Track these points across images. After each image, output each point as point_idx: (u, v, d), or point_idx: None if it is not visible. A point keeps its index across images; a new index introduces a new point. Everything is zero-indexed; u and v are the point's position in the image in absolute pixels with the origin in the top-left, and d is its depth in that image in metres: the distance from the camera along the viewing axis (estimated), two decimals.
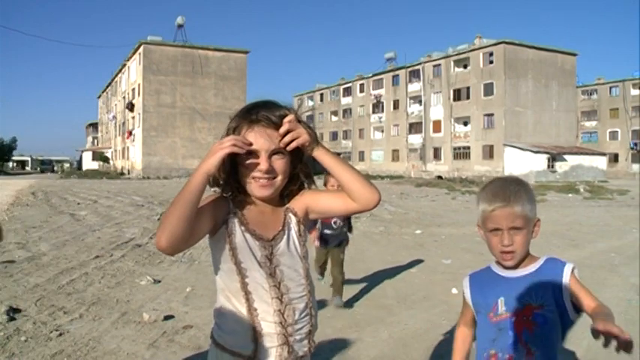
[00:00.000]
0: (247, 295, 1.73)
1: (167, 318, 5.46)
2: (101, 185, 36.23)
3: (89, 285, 6.85)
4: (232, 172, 1.77)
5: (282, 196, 1.87)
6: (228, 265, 1.75)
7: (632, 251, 9.94)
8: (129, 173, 61.73)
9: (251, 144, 1.69)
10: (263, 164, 1.71)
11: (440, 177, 53.02)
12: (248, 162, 1.72)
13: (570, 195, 29.15)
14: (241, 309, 1.74)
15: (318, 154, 1.77)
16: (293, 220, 1.85)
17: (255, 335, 1.73)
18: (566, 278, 1.82)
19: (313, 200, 1.87)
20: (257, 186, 1.75)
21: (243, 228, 1.77)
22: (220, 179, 1.78)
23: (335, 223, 5.97)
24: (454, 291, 6.60)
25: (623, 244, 11.04)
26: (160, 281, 7.09)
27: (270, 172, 1.73)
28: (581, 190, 31.78)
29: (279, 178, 1.76)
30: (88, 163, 76.16)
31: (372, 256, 9.44)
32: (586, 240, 11.66)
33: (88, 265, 8.08)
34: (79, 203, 19.80)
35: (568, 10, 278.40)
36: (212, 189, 1.82)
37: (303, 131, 1.74)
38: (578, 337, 5.08)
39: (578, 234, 12.65)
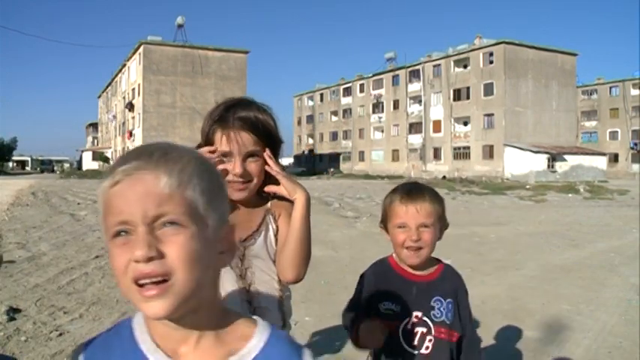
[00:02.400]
0: None
1: None
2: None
3: (89, 285, 6.85)
4: None
5: (261, 195, 1.80)
6: None
7: (632, 251, 9.94)
8: None
9: (215, 150, 1.66)
10: (237, 168, 1.66)
11: (444, 177, 52.99)
12: (222, 166, 1.67)
13: (570, 195, 29.14)
14: None
15: (298, 198, 1.72)
16: (272, 221, 1.78)
17: None
18: None
19: (284, 227, 1.76)
20: (232, 190, 1.69)
21: None
22: None
23: (419, 337, 1.97)
24: None
25: (623, 244, 11.04)
26: None
27: (245, 176, 1.68)
28: (581, 190, 31.77)
29: (254, 181, 1.71)
30: (88, 163, 76.06)
31: (373, 256, 9.31)
32: (586, 240, 11.65)
33: (88, 265, 8.07)
34: (79, 203, 19.77)
35: (568, 10, 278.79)
36: None
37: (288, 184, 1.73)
38: (579, 337, 5.09)
39: (578, 234, 12.64)
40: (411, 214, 1.97)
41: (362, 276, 2.11)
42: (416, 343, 1.95)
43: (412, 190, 2.04)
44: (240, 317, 0.97)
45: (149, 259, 0.81)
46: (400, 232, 1.98)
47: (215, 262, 0.90)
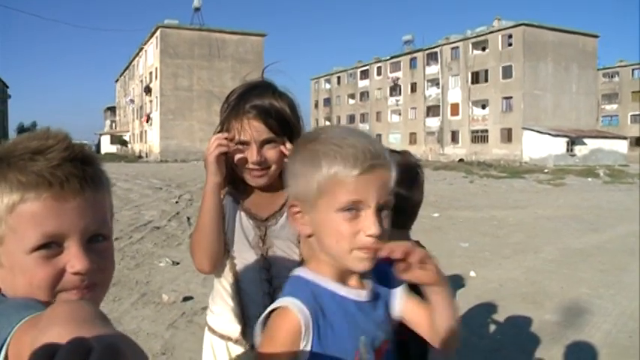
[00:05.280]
0: (236, 275, 1.70)
1: (186, 299, 5.51)
2: (119, 168, 36.48)
3: None
4: (228, 165, 1.71)
5: (282, 180, 1.80)
6: None
7: None
8: (147, 156, 62.11)
9: (234, 137, 1.65)
10: (254, 156, 1.64)
11: (461, 160, 52.67)
12: (240, 155, 1.66)
13: (590, 179, 28.83)
14: (230, 290, 1.70)
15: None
16: None
17: (244, 318, 1.69)
18: None
19: None
20: (251, 177, 1.69)
21: (237, 206, 1.73)
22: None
23: None
24: (472, 274, 6.58)
25: None
26: (178, 263, 7.15)
27: (263, 163, 1.66)
28: (601, 174, 31.42)
29: (273, 167, 1.69)
30: (107, 147, 76.74)
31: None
32: (606, 224, 11.53)
33: None
34: None
35: None
36: None
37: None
38: (598, 321, 5.06)
39: (598, 218, 12.51)
40: None
41: None
42: None
43: None
44: None
45: None
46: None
47: None
